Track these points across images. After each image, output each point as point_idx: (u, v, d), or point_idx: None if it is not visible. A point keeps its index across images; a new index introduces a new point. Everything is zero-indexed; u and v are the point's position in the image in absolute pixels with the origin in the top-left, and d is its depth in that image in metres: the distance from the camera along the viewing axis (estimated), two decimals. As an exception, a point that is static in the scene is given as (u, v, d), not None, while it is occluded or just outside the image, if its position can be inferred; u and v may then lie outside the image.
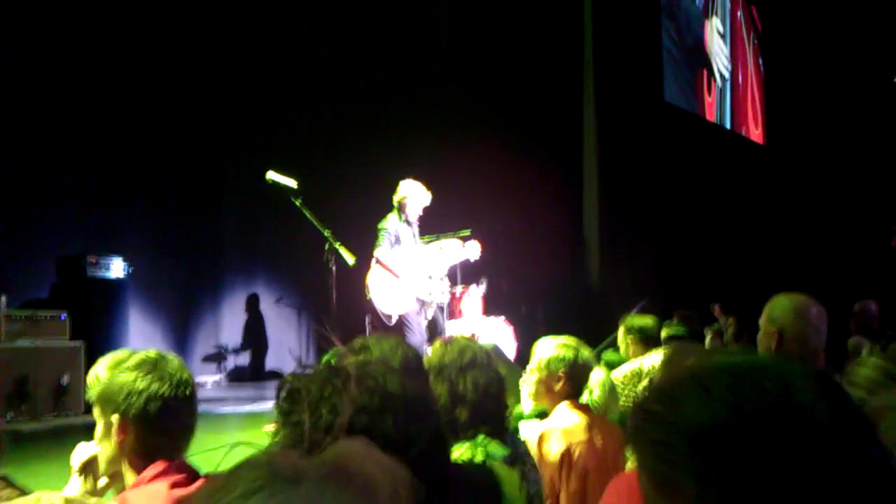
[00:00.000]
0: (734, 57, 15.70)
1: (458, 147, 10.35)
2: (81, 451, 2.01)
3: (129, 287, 8.19)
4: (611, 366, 4.57)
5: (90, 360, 1.97)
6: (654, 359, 4.54)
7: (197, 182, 9.79)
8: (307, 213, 6.10)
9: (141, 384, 1.80)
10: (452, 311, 7.76)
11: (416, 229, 7.05)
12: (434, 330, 7.01)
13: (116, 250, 8.13)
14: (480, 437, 2.42)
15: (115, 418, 1.81)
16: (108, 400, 1.82)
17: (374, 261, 6.77)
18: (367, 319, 6.90)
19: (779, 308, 2.98)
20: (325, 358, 4.73)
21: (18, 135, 7.73)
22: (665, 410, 0.83)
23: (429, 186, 6.97)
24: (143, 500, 1.70)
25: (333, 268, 6.29)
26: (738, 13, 15.92)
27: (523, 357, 3.79)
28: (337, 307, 6.47)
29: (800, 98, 15.16)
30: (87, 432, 1.97)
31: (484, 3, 11.05)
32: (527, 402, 3.46)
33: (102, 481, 1.97)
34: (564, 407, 3.14)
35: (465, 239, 7.28)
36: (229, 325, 10.49)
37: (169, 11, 9.02)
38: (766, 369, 0.82)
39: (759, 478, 0.75)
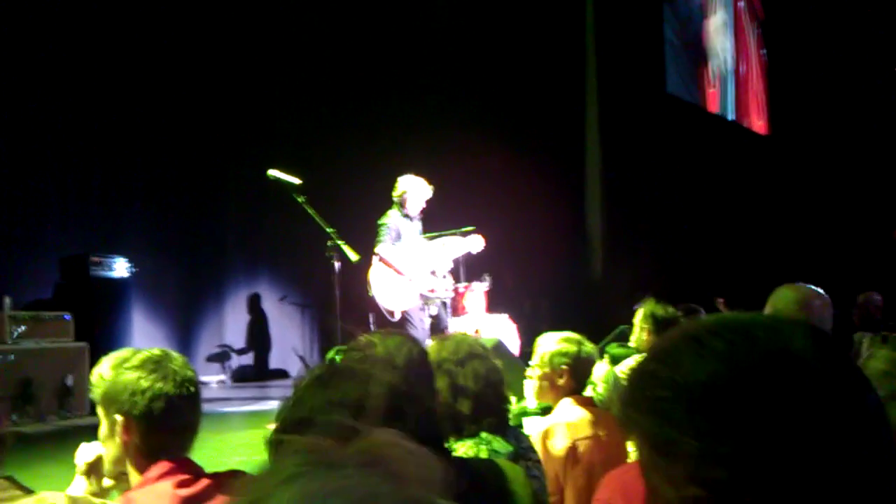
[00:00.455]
0: (736, 47, 15.66)
1: (460, 143, 10.33)
2: (86, 452, 2.00)
3: (132, 287, 8.20)
4: (615, 360, 4.55)
5: (94, 361, 1.96)
6: None
7: (199, 181, 9.80)
8: (310, 211, 6.09)
9: (145, 383, 1.80)
10: (456, 307, 7.74)
11: (418, 224, 7.03)
12: (437, 326, 7.00)
13: (119, 250, 8.14)
14: (484, 434, 2.41)
15: (119, 418, 1.80)
16: (112, 399, 1.82)
17: (375, 257, 6.76)
18: (371, 317, 6.89)
19: (783, 299, 2.97)
20: (330, 355, 4.73)
21: (20, 136, 7.73)
22: (661, 368, 0.82)
23: (431, 182, 6.95)
24: (148, 500, 1.70)
25: (336, 265, 6.28)
26: (740, 2, 15.87)
27: (527, 353, 3.79)
28: (340, 304, 6.46)
29: (803, 88, 15.11)
30: (92, 433, 1.97)
31: (486, 1, 11.03)
32: (531, 397, 3.45)
33: (107, 481, 1.97)
34: (568, 402, 3.13)
35: (467, 235, 7.26)
36: (233, 324, 10.50)
37: (171, 11, 9.01)
38: (760, 323, 0.82)
39: (759, 429, 0.75)
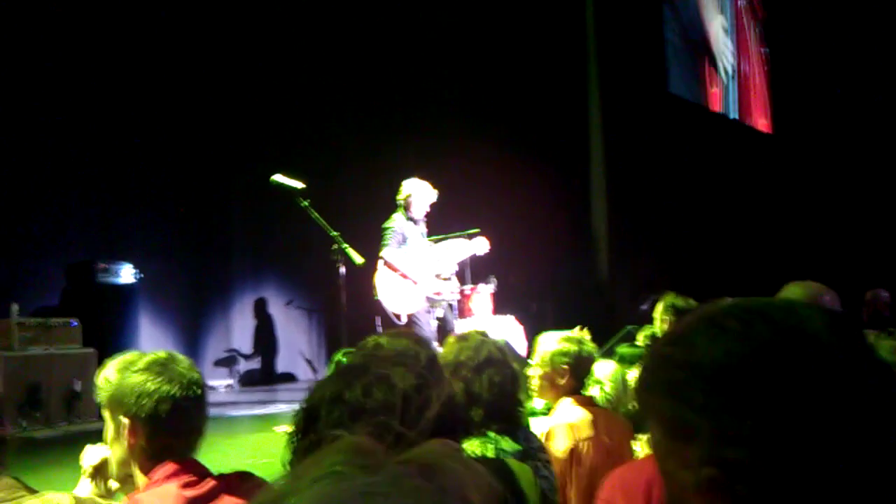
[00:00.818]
0: (738, 46, 15.63)
1: (464, 146, 10.33)
2: (92, 454, 2.00)
3: (139, 293, 8.21)
4: (624, 360, 4.54)
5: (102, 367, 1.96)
6: None
7: (204, 187, 9.82)
8: (314, 215, 6.09)
9: (151, 385, 1.80)
10: (462, 310, 7.74)
11: (423, 227, 7.03)
12: (443, 329, 6.99)
13: (125, 256, 8.16)
14: (491, 434, 2.40)
15: (125, 420, 1.80)
16: (118, 402, 1.82)
17: (380, 261, 6.76)
18: (378, 320, 6.89)
19: (791, 296, 2.96)
20: (336, 357, 4.73)
21: (26, 143, 7.75)
22: (677, 350, 0.82)
23: (436, 186, 6.96)
24: (154, 501, 1.70)
25: (342, 269, 6.28)
26: (740, 1, 15.85)
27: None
28: (347, 308, 6.46)
29: (807, 86, 15.07)
30: (100, 438, 1.97)
31: (489, 2, 11.04)
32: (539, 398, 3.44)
33: (113, 484, 1.97)
34: (568, 403, 3.12)
35: (473, 237, 7.27)
36: (240, 329, 10.51)
37: (175, 18, 9.03)
38: (775, 306, 0.82)
39: (775, 407, 0.75)
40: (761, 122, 16.10)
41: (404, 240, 6.80)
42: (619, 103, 11.87)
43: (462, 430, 2.19)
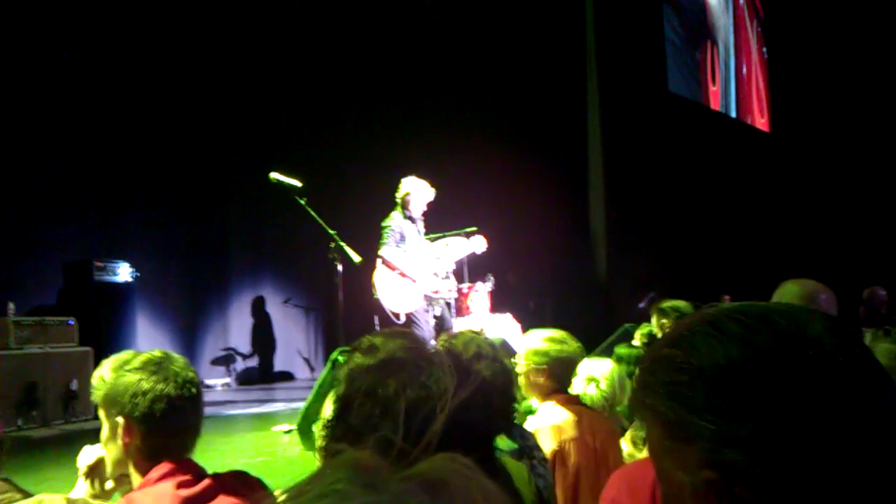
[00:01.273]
0: (737, 45, 15.64)
1: (462, 144, 10.33)
2: (87, 454, 1.99)
3: (135, 291, 8.20)
4: (621, 359, 4.55)
5: (98, 366, 1.95)
6: None
7: (201, 185, 9.80)
8: (312, 213, 6.08)
9: (146, 385, 1.79)
10: (460, 308, 7.75)
11: (420, 226, 7.03)
12: (441, 327, 6.99)
13: (123, 255, 8.15)
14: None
15: (120, 420, 1.79)
16: (113, 401, 1.81)
17: (379, 260, 6.75)
18: (376, 319, 6.88)
19: (788, 294, 2.95)
20: (333, 356, 4.72)
21: (22, 141, 7.74)
22: (677, 353, 0.82)
23: (433, 183, 6.95)
24: (149, 501, 1.69)
25: (340, 267, 6.27)
26: (741, 0, 15.86)
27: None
28: (344, 307, 6.46)
29: (805, 85, 15.08)
30: (97, 437, 1.96)
31: (488, 3, 11.03)
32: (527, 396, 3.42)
33: (109, 484, 1.96)
34: (551, 404, 3.11)
35: (470, 235, 7.27)
36: (237, 327, 10.50)
37: (174, 16, 9.02)
38: (776, 310, 0.82)
39: (776, 411, 0.75)
40: (760, 122, 16.11)
41: (402, 238, 6.80)
42: (618, 101, 11.87)
43: (493, 433, 2.15)
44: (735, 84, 15.47)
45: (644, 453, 2.98)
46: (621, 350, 4.98)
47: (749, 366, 0.77)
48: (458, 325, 7.34)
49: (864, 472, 0.74)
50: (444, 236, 7.34)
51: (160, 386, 1.79)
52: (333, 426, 1.23)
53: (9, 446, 1.84)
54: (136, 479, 1.82)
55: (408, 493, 0.59)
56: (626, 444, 3.23)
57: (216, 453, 4.56)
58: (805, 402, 0.75)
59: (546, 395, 3.14)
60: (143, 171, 9.13)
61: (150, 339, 8.50)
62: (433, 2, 10.61)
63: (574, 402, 3.18)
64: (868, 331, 4.91)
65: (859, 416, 0.75)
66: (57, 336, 6.99)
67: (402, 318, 6.70)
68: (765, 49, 16.42)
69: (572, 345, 3.17)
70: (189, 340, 9.63)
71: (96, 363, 1.92)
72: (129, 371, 1.81)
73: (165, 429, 1.79)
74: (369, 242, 6.77)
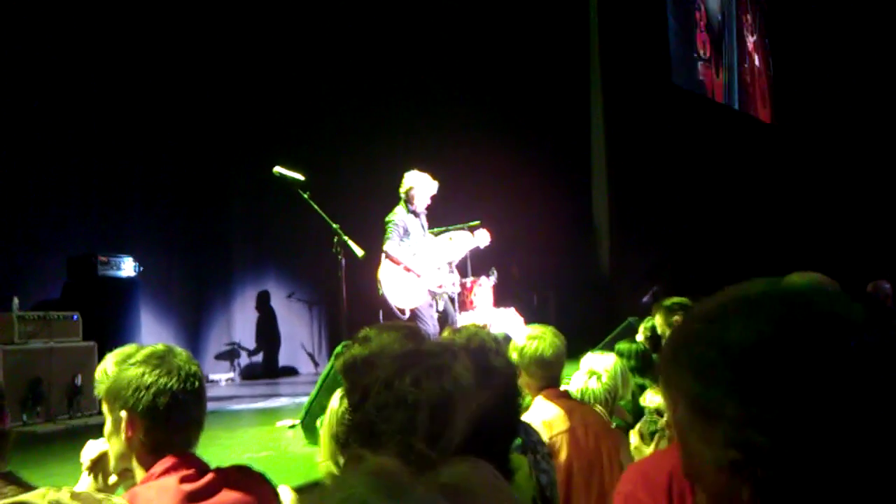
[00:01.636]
0: (739, 37, 15.60)
1: (466, 137, 10.32)
2: (91, 449, 1.99)
3: (139, 286, 8.20)
4: (622, 354, 4.56)
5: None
6: None
7: (205, 179, 9.80)
8: (315, 207, 6.08)
9: (149, 378, 1.79)
10: (463, 302, 7.74)
11: (424, 220, 7.02)
12: (445, 322, 6.99)
13: (126, 249, 8.15)
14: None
15: (123, 414, 1.80)
16: (117, 395, 1.81)
17: (383, 255, 6.75)
18: (381, 315, 6.89)
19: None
20: (337, 350, 4.72)
21: (26, 136, 7.74)
22: (708, 329, 0.80)
23: (437, 177, 6.95)
24: (152, 495, 1.69)
25: (343, 261, 6.27)
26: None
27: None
28: (348, 301, 6.46)
29: (808, 75, 15.03)
30: (101, 432, 1.96)
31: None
32: None
33: (112, 478, 1.96)
34: (541, 399, 3.12)
35: (474, 229, 7.26)
36: (241, 322, 10.50)
37: (174, 10, 9.01)
38: (815, 291, 0.80)
39: (805, 398, 0.73)
40: (763, 112, 16.07)
41: (406, 233, 6.80)
42: (621, 94, 11.85)
43: (513, 430, 2.13)
44: (738, 76, 15.43)
45: (651, 448, 2.98)
46: (622, 345, 4.99)
47: (781, 348, 0.75)
48: (462, 319, 7.34)
49: (889, 462, 0.72)
50: (448, 230, 7.34)
51: (163, 380, 1.79)
52: (353, 414, 1.23)
53: (14, 439, 1.83)
54: (139, 473, 1.82)
55: (430, 501, 0.59)
56: (633, 437, 3.23)
57: (220, 448, 4.56)
58: (836, 391, 0.73)
59: (535, 391, 3.15)
60: (146, 166, 9.13)
61: (154, 334, 8.50)
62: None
63: (564, 397, 3.19)
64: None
65: (891, 406, 0.73)
66: (61, 331, 6.99)
67: (407, 314, 6.71)
68: (767, 39, 16.36)
69: (547, 340, 3.15)
70: (193, 335, 9.64)
71: (100, 358, 1.92)
72: (133, 365, 1.82)
73: (169, 423, 1.79)
74: (372, 236, 6.77)
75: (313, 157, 8.50)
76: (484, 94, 10.87)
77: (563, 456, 2.93)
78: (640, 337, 5.64)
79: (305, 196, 6.10)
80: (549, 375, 3.18)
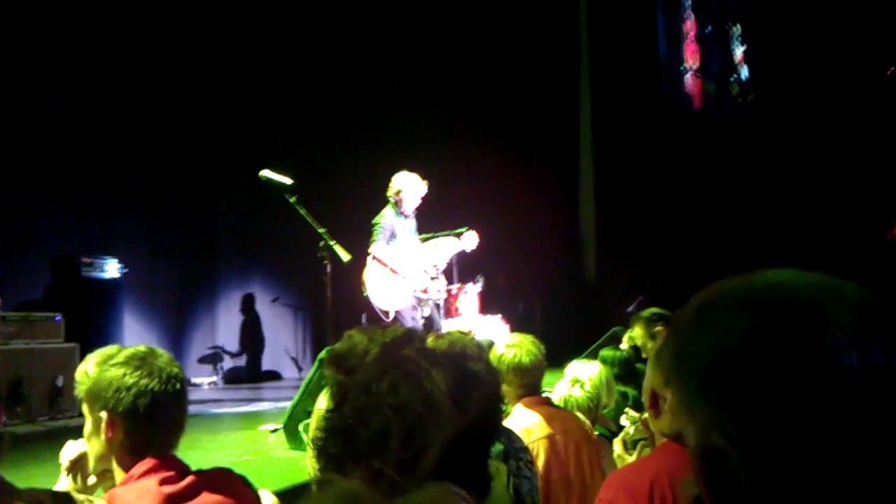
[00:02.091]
0: (728, 47, 15.71)
1: (453, 144, 10.33)
2: (70, 449, 1.98)
3: (123, 288, 8.16)
4: (605, 361, 4.58)
5: (85, 362, 1.94)
6: None
7: (191, 182, 9.76)
8: (301, 211, 6.07)
9: (130, 380, 1.78)
10: (449, 309, 7.74)
11: (413, 222, 7.01)
12: (430, 328, 6.98)
13: (111, 251, 8.10)
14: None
15: (103, 415, 1.78)
16: (97, 396, 1.80)
17: (370, 257, 6.74)
18: (364, 317, 6.87)
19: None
20: (321, 355, 4.70)
21: (12, 135, 7.69)
22: (690, 326, 0.79)
23: (424, 181, 6.94)
24: (132, 497, 1.68)
25: (328, 265, 6.26)
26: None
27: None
28: (332, 305, 6.44)
29: (796, 87, 15.15)
30: (81, 433, 1.95)
31: (480, 1, 11.03)
32: None
33: (92, 479, 1.95)
34: (520, 407, 3.14)
35: (460, 236, 7.26)
36: (225, 325, 10.45)
37: (163, 13, 8.98)
38: (804, 299, 0.75)
39: (766, 415, 0.71)
40: (749, 123, 16.17)
41: (393, 235, 6.79)
42: (610, 104, 11.89)
43: (492, 437, 2.12)
44: (726, 87, 15.54)
45: (634, 456, 2.99)
46: (606, 353, 5.02)
47: (742, 363, 0.73)
48: (447, 326, 7.33)
49: (854, 482, 0.70)
50: (435, 237, 7.33)
51: (144, 381, 1.78)
52: (329, 417, 1.22)
53: (8, 442, 1.82)
54: (118, 474, 1.81)
55: None
56: (616, 446, 3.24)
57: (201, 451, 4.53)
58: (800, 414, 0.70)
59: (515, 399, 3.16)
60: (132, 167, 9.08)
61: (137, 336, 8.45)
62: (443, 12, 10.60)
63: (545, 404, 3.20)
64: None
65: (860, 441, 0.70)
66: (43, 332, 6.93)
67: (391, 316, 6.70)
68: (754, 51, 16.45)
69: (524, 348, 3.17)
70: (177, 338, 9.59)
71: (82, 359, 1.90)
72: (113, 366, 1.80)
73: (149, 424, 1.78)
74: (359, 241, 6.76)
75: (300, 161, 8.48)
76: (472, 102, 10.88)
77: (540, 462, 2.95)
78: (624, 346, 5.65)
79: (292, 200, 6.08)
80: (527, 383, 3.19)
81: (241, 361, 10.55)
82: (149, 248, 9.20)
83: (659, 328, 4.97)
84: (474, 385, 1.28)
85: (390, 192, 6.87)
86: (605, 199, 11.93)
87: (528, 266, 11.19)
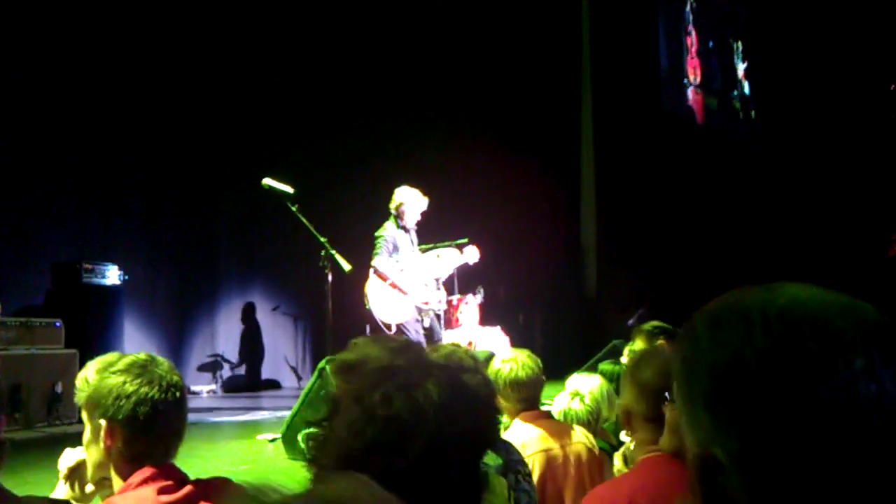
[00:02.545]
0: (730, 62, 15.75)
1: (455, 155, 10.34)
2: (69, 456, 1.97)
3: (123, 294, 8.15)
4: (604, 375, 4.56)
5: (84, 368, 1.94)
6: None
7: (193, 189, 9.78)
8: (303, 220, 6.07)
9: (130, 387, 1.77)
10: (449, 320, 7.74)
11: (413, 236, 7.04)
12: (431, 339, 6.98)
13: (112, 258, 8.10)
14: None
15: (102, 422, 1.78)
16: (97, 403, 1.79)
17: (371, 270, 6.75)
18: (367, 329, 6.87)
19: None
20: (321, 365, 4.70)
21: (14, 141, 7.71)
22: (705, 332, 0.78)
23: (426, 194, 6.96)
24: (129, 506, 1.67)
25: (330, 275, 6.26)
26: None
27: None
28: (333, 315, 6.44)
29: (797, 102, 15.18)
30: (80, 440, 1.94)
31: (483, 13, 11.06)
32: None
33: (89, 487, 1.94)
34: (518, 421, 3.13)
35: (461, 247, 7.27)
36: (225, 333, 10.44)
37: (167, 19, 9.02)
38: (827, 322, 0.73)
39: (772, 437, 0.70)
40: (750, 137, 16.18)
41: (395, 248, 6.81)
42: (611, 117, 11.91)
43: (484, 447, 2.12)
44: (727, 101, 15.57)
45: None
46: (605, 366, 5.00)
47: (747, 380, 0.72)
48: (448, 337, 7.33)
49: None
50: (436, 247, 7.34)
51: (144, 389, 1.77)
52: (320, 428, 1.22)
53: (7, 449, 1.81)
54: (117, 482, 1.80)
55: None
56: (617, 460, 3.24)
57: (200, 460, 4.52)
58: (807, 439, 0.69)
59: (513, 413, 3.16)
60: (134, 174, 9.11)
61: (136, 343, 8.44)
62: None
63: (544, 418, 3.19)
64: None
65: (867, 472, 0.69)
66: (43, 337, 6.93)
67: (394, 329, 6.70)
68: (755, 65, 16.49)
69: (520, 362, 3.16)
70: (176, 346, 9.58)
71: (82, 366, 1.90)
72: (113, 373, 1.80)
73: (148, 433, 1.77)
74: (360, 251, 6.77)
75: (303, 170, 8.50)
76: (474, 113, 10.90)
77: (535, 477, 2.93)
78: (624, 359, 5.64)
79: (294, 209, 6.09)
80: (525, 398, 3.18)
81: (241, 370, 10.54)
82: (149, 256, 9.21)
83: (661, 341, 4.96)
84: (467, 397, 1.27)
85: (392, 205, 6.90)
86: (607, 211, 11.94)
87: (528, 278, 11.19)
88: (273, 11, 9.96)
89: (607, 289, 11.69)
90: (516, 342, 7.94)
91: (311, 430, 1.23)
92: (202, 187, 9.90)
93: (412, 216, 6.92)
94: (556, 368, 4.55)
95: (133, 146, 8.94)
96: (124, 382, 1.78)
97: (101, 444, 1.78)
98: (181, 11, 9.19)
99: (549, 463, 2.98)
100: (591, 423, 3.62)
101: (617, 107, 12.00)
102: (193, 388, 9.45)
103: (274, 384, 10.82)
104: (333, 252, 6.13)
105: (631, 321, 10.41)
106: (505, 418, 3.22)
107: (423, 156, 9.79)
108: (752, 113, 16.29)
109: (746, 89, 16.21)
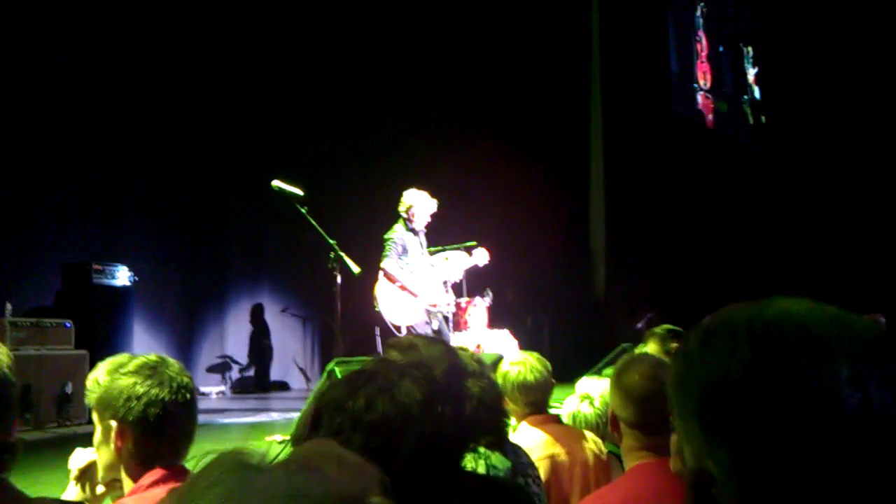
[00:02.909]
0: (741, 67, 15.71)
1: (465, 158, 10.34)
2: (79, 457, 1.98)
3: (133, 295, 8.18)
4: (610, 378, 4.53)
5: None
6: None
7: (203, 191, 9.81)
8: (313, 222, 6.08)
9: (140, 389, 1.78)
10: (457, 322, 7.73)
11: (423, 238, 7.03)
12: (439, 341, 6.97)
13: (121, 258, 8.13)
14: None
15: (113, 423, 1.78)
16: (107, 405, 1.80)
17: (381, 272, 6.76)
18: (377, 331, 6.88)
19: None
20: (329, 366, 4.70)
21: (24, 143, 7.74)
22: (696, 349, 0.79)
23: (435, 196, 6.96)
24: (139, 507, 1.68)
25: (339, 277, 6.27)
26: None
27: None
28: (342, 317, 6.45)
29: (808, 112, 15.12)
30: (90, 441, 1.95)
31: (492, 15, 11.07)
32: None
33: (100, 488, 1.95)
34: (525, 425, 3.11)
35: (470, 249, 7.27)
36: (234, 335, 10.47)
37: (176, 20, 9.05)
38: (813, 336, 0.74)
39: (759, 447, 0.72)
40: (760, 142, 16.14)
41: (405, 251, 6.81)
42: (620, 120, 11.89)
43: (463, 447, 2.14)
44: (738, 106, 15.53)
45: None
46: (610, 371, 4.96)
47: (740, 394, 0.73)
48: (456, 339, 7.32)
49: None
50: (445, 250, 7.34)
51: (155, 391, 1.78)
52: (304, 439, 1.23)
53: (21, 450, 1.82)
54: (127, 484, 1.80)
55: (293, 469, 0.63)
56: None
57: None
58: (793, 449, 0.71)
59: (520, 417, 3.15)
60: (144, 176, 9.14)
61: (146, 344, 8.47)
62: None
63: (552, 422, 3.18)
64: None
65: (853, 481, 0.70)
66: (53, 338, 6.95)
67: (403, 331, 6.70)
68: (765, 70, 16.44)
69: (529, 365, 3.15)
70: (185, 347, 9.60)
71: (92, 366, 1.91)
72: (124, 374, 1.80)
73: (159, 434, 1.78)
74: (369, 253, 6.77)
75: (312, 172, 8.52)
76: (483, 117, 10.90)
77: (543, 480, 2.92)
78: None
79: (303, 211, 6.11)
80: (533, 401, 3.17)
81: (250, 371, 10.56)
82: (159, 257, 9.24)
83: (674, 345, 4.94)
84: (445, 394, 1.28)
85: (401, 208, 6.90)
86: (616, 215, 11.92)
87: (537, 281, 11.18)
88: (283, 15, 9.99)
89: (616, 292, 11.66)
90: (525, 345, 7.91)
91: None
92: (212, 189, 9.93)
93: (421, 218, 6.91)
94: (565, 372, 4.53)
95: (144, 149, 8.98)
96: (135, 384, 1.78)
97: (112, 446, 1.79)
98: (192, 15, 9.22)
99: (555, 468, 2.96)
100: (601, 426, 3.61)
101: (627, 111, 11.97)
102: (203, 389, 9.47)
103: (283, 386, 10.83)
104: (343, 254, 6.14)
105: (640, 325, 10.39)
106: (512, 420, 3.22)
107: (433, 158, 9.80)
108: (763, 118, 16.23)
109: (757, 94, 16.14)
